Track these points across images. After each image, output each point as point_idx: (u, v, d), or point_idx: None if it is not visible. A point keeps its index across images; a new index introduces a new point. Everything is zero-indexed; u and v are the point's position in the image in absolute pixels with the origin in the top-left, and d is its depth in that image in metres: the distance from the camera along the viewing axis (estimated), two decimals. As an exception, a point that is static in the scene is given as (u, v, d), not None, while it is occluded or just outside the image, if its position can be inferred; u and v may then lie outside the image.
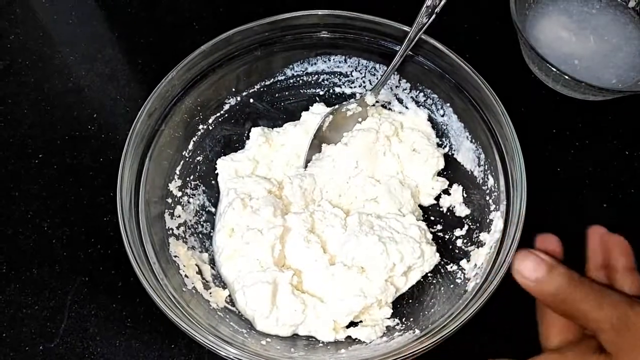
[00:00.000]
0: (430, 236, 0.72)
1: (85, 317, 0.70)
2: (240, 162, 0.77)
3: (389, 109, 0.82)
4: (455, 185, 0.77)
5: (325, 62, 0.81)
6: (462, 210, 0.75)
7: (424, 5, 0.71)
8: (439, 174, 0.78)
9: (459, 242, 0.72)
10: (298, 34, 0.76)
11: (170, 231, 0.70)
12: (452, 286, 0.68)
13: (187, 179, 0.75)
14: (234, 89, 0.79)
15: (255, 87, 0.80)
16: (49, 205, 0.78)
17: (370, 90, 0.78)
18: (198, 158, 0.77)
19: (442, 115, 0.78)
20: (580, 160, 0.81)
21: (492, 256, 0.63)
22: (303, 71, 0.81)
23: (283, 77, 0.81)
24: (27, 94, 0.87)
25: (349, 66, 0.81)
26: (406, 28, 0.72)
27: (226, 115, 0.79)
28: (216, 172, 0.77)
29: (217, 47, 0.73)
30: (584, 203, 0.78)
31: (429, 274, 0.71)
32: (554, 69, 0.78)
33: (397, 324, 0.66)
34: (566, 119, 0.84)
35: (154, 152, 0.69)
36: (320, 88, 0.83)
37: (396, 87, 0.80)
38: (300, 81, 0.82)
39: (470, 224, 0.73)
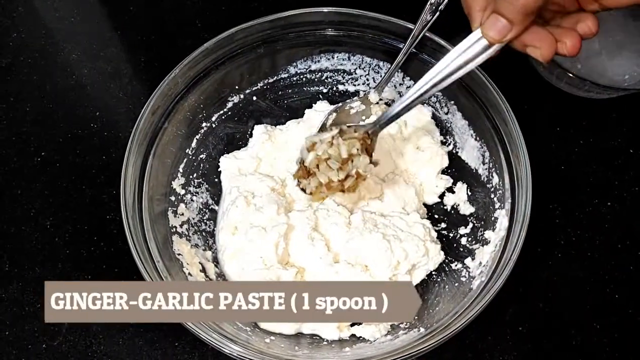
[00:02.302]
0: (434, 234, 0.72)
1: (88, 315, 0.70)
2: (243, 159, 0.77)
3: (393, 106, 0.82)
4: (459, 183, 0.76)
5: (328, 59, 0.80)
6: (466, 209, 0.74)
7: (428, 3, 0.70)
8: (443, 172, 0.78)
9: (464, 241, 0.72)
10: (301, 31, 0.76)
11: (174, 229, 0.69)
12: (456, 284, 0.68)
13: (191, 176, 0.75)
14: (237, 87, 0.79)
15: (259, 84, 0.80)
16: (51, 203, 0.77)
17: (373, 88, 0.78)
18: (201, 156, 0.77)
19: (447, 113, 0.78)
20: (584, 158, 0.81)
21: (497, 254, 0.63)
22: (306, 69, 0.81)
23: (286, 75, 0.81)
24: (30, 92, 0.86)
25: (352, 64, 0.81)
26: (410, 25, 0.72)
27: (229, 113, 0.79)
28: (219, 169, 0.77)
29: (220, 45, 0.73)
30: (588, 201, 0.78)
31: (433, 272, 0.71)
32: (558, 67, 0.78)
33: (402, 323, 0.66)
34: (570, 117, 0.84)
35: (157, 150, 0.69)
36: (323, 86, 0.83)
37: (400, 84, 0.80)
38: (304, 79, 0.82)
39: (474, 222, 0.73)
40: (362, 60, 0.80)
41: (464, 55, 0.54)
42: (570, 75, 0.77)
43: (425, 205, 0.76)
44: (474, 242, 0.71)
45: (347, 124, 0.66)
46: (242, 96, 0.80)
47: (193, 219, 0.73)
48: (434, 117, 0.80)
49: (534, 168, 0.64)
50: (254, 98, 0.80)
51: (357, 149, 0.63)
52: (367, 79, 0.82)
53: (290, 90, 0.82)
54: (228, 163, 0.77)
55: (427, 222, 0.72)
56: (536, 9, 0.49)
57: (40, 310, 0.70)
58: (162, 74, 0.70)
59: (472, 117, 0.74)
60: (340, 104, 0.78)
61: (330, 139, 0.63)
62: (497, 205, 0.69)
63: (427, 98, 0.63)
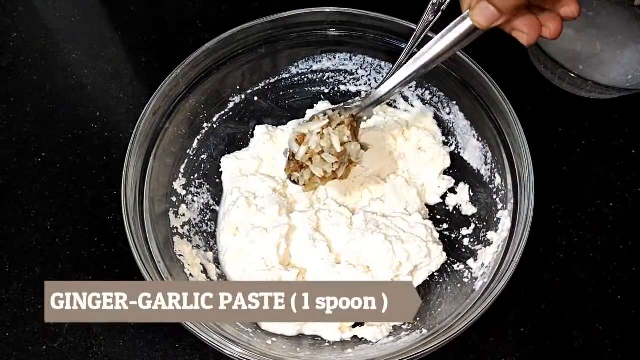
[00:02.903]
0: (436, 235, 0.71)
1: (89, 316, 0.70)
2: (244, 160, 0.76)
3: (395, 107, 0.82)
4: (461, 184, 0.76)
5: (330, 59, 0.80)
6: (468, 209, 0.74)
7: (430, 3, 0.70)
8: (445, 172, 0.77)
9: (466, 241, 0.72)
10: (303, 31, 0.76)
11: (175, 230, 0.69)
12: (459, 285, 0.67)
13: (192, 177, 0.75)
14: (238, 87, 0.78)
15: (260, 85, 0.80)
16: (52, 204, 0.77)
17: (375, 88, 0.77)
18: (202, 156, 0.76)
19: (449, 113, 0.78)
20: (586, 158, 0.81)
21: (500, 255, 0.63)
22: (308, 69, 0.81)
23: (288, 75, 0.81)
24: (30, 92, 0.86)
25: (354, 64, 0.81)
26: (412, 26, 0.72)
27: (230, 113, 0.79)
28: (220, 170, 0.77)
29: (221, 45, 0.73)
30: (591, 201, 0.78)
31: (435, 274, 0.70)
32: (560, 67, 0.78)
33: (404, 324, 0.66)
34: (572, 118, 0.84)
35: (159, 151, 0.69)
36: (325, 86, 0.82)
37: (401, 85, 0.80)
38: (305, 79, 0.81)
39: (477, 222, 0.73)
40: (364, 61, 0.80)
41: (450, 36, 0.55)
42: (572, 75, 0.77)
43: (427, 205, 0.76)
44: (476, 243, 0.71)
45: (332, 108, 0.65)
46: (243, 96, 0.79)
47: (194, 219, 0.72)
48: (436, 117, 0.79)
49: (536, 168, 0.64)
50: (255, 98, 0.80)
51: (348, 137, 0.63)
52: (369, 79, 0.81)
53: (291, 91, 0.82)
54: (229, 164, 0.76)
55: (429, 223, 0.72)
56: (526, 0, 0.49)
57: (40, 312, 0.70)
58: (163, 75, 0.70)
59: (474, 117, 0.74)
60: (342, 104, 0.77)
61: (320, 130, 0.62)
62: (499, 206, 0.69)
63: (415, 79, 0.64)
